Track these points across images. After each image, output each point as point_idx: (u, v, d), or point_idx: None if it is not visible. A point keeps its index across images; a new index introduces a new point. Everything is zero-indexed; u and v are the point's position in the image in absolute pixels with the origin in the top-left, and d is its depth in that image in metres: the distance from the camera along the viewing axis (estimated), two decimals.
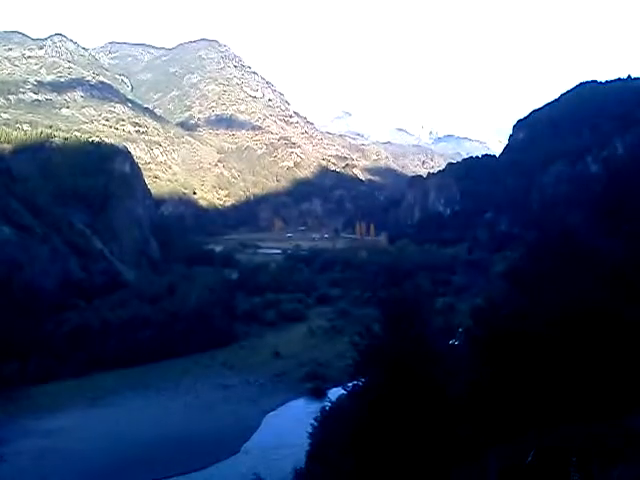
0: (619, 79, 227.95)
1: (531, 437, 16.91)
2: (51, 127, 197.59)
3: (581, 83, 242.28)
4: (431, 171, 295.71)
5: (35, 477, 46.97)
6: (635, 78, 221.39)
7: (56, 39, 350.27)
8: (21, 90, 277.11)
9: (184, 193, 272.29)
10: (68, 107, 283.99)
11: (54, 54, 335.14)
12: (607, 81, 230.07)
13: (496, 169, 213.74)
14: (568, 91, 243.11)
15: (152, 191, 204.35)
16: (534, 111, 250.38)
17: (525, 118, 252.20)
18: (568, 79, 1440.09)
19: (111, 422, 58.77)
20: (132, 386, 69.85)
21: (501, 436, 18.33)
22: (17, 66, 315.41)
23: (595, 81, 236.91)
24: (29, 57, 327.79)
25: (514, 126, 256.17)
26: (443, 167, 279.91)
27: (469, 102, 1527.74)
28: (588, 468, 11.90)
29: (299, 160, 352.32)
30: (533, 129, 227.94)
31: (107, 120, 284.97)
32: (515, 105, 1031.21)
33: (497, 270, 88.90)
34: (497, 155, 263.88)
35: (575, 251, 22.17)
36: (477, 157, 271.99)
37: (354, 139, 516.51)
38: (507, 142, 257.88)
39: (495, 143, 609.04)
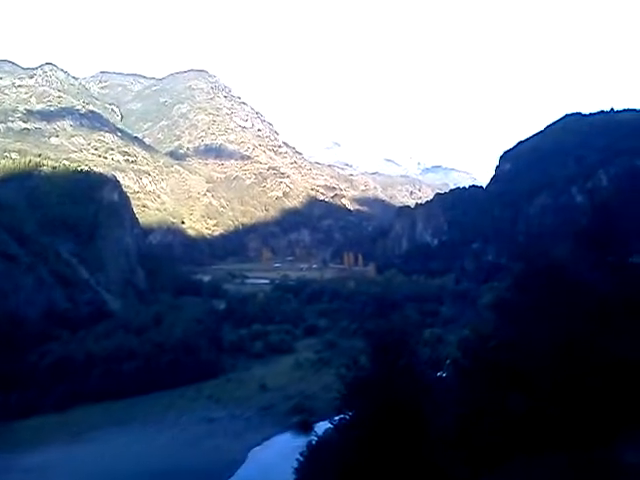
0: (603, 111, 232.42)
1: (518, 466, 16.83)
2: (40, 156, 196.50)
3: (566, 115, 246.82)
4: (419, 201, 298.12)
5: None
6: (618, 110, 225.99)
7: (47, 68, 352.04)
8: (10, 119, 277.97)
9: (173, 222, 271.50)
10: (57, 136, 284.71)
11: (44, 83, 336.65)
12: (591, 113, 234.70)
13: (483, 200, 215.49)
14: (553, 123, 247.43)
15: (140, 220, 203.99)
16: (520, 142, 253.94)
17: (511, 149, 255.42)
18: (553, 111, 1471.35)
19: (95, 457, 57.37)
20: (117, 420, 68.29)
21: (489, 466, 18.20)
22: (7, 95, 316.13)
23: (580, 113, 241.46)
24: (19, 86, 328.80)
25: (500, 157, 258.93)
26: (431, 197, 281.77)
27: (456, 133, 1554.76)
28: None
29: (288, 190, 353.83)
30: (519, 160, 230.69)
31: (96, 149, 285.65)
32: (501, 136, 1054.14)
33: (484, 301, 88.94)
34: (484, 186, 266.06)
35: (561, 283, 22.28)
36: (464, 188, 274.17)
37: (343, 169, 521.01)
38: (494, 173, 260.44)
39: (482, 174, 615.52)
